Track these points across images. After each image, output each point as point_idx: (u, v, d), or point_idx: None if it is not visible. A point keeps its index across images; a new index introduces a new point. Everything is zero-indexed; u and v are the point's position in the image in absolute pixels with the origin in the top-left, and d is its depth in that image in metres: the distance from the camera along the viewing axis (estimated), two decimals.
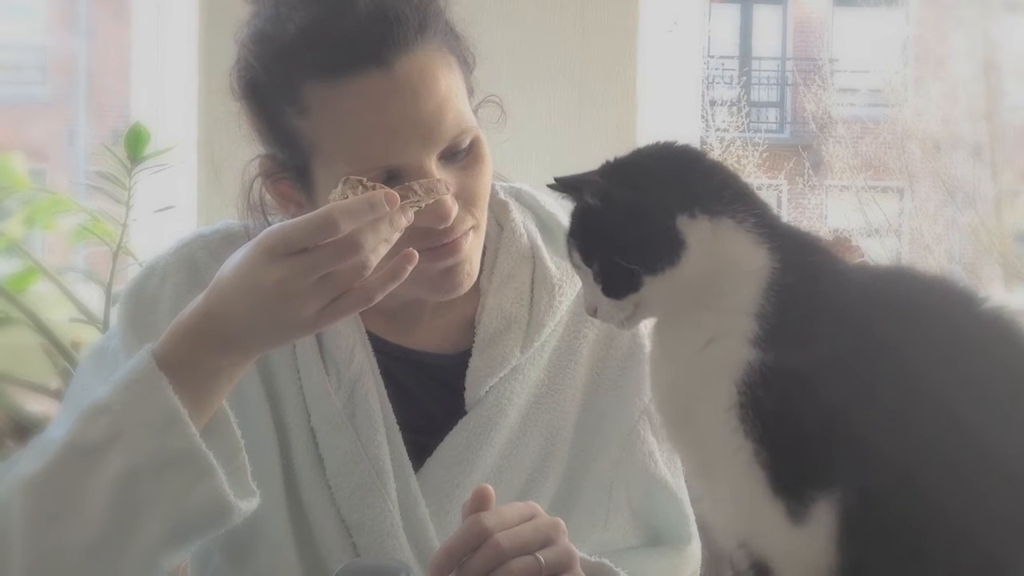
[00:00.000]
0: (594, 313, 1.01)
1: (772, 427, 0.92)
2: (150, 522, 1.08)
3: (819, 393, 0.91)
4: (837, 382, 0.91)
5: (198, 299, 1.10)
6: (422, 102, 1.16)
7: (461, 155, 1.20)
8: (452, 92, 1.18)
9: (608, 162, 1.00)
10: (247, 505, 1.12)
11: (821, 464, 0.91)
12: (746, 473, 0.92)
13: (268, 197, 1.26)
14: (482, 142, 1.22)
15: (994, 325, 0.95)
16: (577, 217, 1.01)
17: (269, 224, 1.27)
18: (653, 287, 0.96)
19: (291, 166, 1.21)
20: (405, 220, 1.08)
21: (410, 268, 1.08)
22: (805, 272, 0.95)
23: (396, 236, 1.07)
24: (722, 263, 0.95)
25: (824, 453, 0.91)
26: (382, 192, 1.06)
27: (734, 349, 0.93)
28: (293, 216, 1.23)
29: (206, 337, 1.09)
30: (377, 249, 1.05)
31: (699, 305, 0.96)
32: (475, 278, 1.25)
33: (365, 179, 1.09)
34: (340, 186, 1.09)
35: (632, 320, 1.00)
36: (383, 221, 1.05)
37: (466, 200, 1.20)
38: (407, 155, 1.16)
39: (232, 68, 1.23)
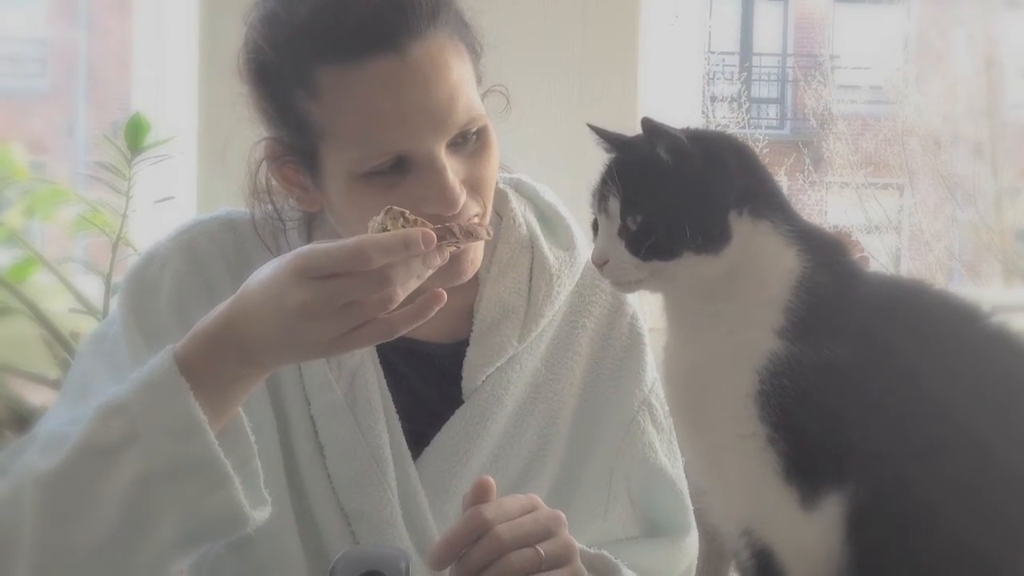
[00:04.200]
0: (602, 264, 1.00)
1: (793, 415, 0.93)
2: (163, 526, 1.08)
3: (843, 388, 0.93)
4: (860, 380, 0.93)
5: (223, 306, 1.09)
6: (434, 88, 1.16)
7: (469, 143, 1.20)
8: (463, 80, 1.18)
9: (690, 128, 1.00)
10: (260, 515, 1.12)
11: (837, 455, 0.92)
12: (759, 459, 0.93)
13: (273, 182, 1.26)
14: (490, 130, 1.22)
15: (998, 337, 0.97)
16: (631, 166, 0.99)
17: (275, 208, 1.27)
18: (687, 264, 0.96)
19: (298, 149, 1.21)
20: (440, 260, 1.07)
21: (437, 308, 1.07)
22: (836, 272, 0.97)
23: (428, 273, 1.07)
24: (755, 261, 0.97)
25: (841, 445, 0.92)
26: (420, 231, 1.04)
27: (757, 338, 0.95)
28: (298, 199, 1.24)
29: (227, 346, 1.08)
30: (407, 284, 1.05)
31: (722, 296, 0.98)
32: (478, 266, 1.25)
33: (407, 212, 1.07)
34: (381, 215, 1.07)
35: (636, 285, 0.99)
36: (417, 258, 1.04)
37: (472, 187, 1.20)
38: (417, 141, 1.16)
39: (239, 50, 1.22)
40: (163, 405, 1.08)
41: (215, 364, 1.09)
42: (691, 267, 0.96)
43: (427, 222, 1.07)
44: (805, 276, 0.96)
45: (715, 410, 0.97)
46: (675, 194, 0.97)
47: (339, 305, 1.03)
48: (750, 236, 0.97)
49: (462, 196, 1.17)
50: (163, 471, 1.07)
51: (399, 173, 1.17)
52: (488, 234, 1.13)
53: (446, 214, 1.17)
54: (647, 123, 0.98)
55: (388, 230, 1.05)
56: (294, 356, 1.12)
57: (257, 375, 1.11)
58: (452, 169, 1.17)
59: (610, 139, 1.02)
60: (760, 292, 0.96)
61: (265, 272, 1.07)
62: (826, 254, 0.98)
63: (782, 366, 0.93)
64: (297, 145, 1.21)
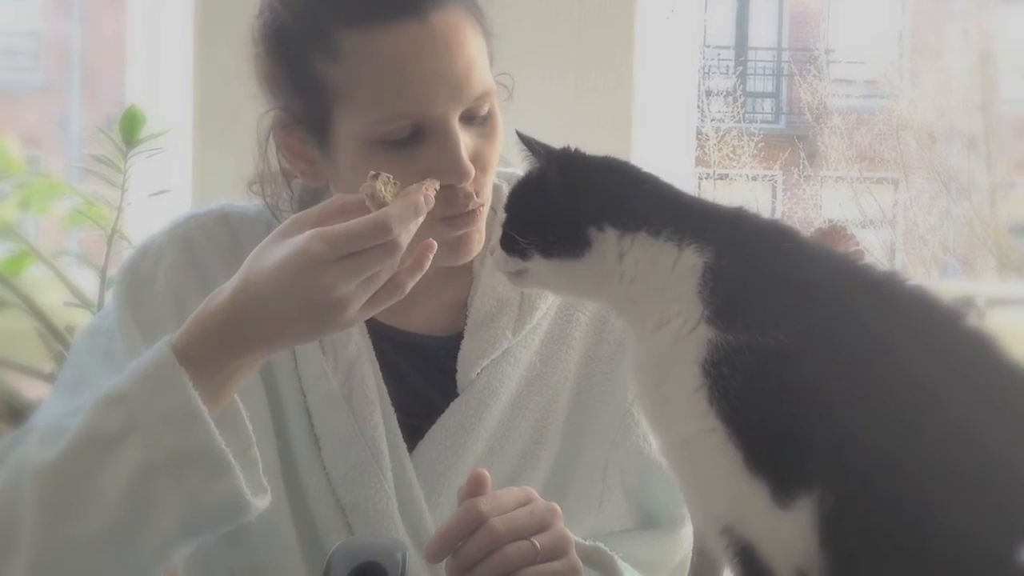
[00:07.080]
0: (492, 252, 1.08)
1: (745, 406, 0.92)
2: (163, 516, 1.08)
3: (795, 376, 0.91)
4: (813, 367, 0.91)
5: (224, 296, 1.09)
6: (454, 56, 1.17)
7: (480, 120, 1.21)
8: (479, 53, 1.20)
9: (567, 148, 1.05)
10: (261, 502, 1.12)
11: (800, 447, 0.91)
12: (723, 453, 0.92)
13: (282, 161, 1.27)
14: (497, 112, 1.24)
15: (970, 331, 0.95)
16: (525, 171, 1.06)
17: (286, 176, 1.28)
18: (545, 266, 1.02)
19: (307, 118, 1.22)
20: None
21: (431, 256, 1.10)
22: (743, 253, 0.97)
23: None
24: (643, 268, 1.00)
25: (802, 436, 0.91)
26: (421, 197, 1.08)
27: (691, 330, 0.95)
28: (303, 174, 1.25)
29: (230, 336, 1.08)
30: (408, 242, 1.07)
31: (639, 301, 1.00)
32: (482, 245, 1.25)
33: (392, 177, 1.09)
34: (373, 181, 1.08)
35: (519, 279, 1.05)
36: (417, 220, 1.08)
37: (478, 165, 1.21)
38: (435, 107, 1.17)
39: (255, 19, 1.24)
40: (162, 395, 1.08)
41: (215, 354, 1.09)
42: (556, 269, 1.02)
43: (425, 183, 1.11)
44: (709, 267, 0.97)
45: (672, 406, 0.97)
46: (531, 202, 1.04)
47: (364, 280, 1.05)
48: (623, 248, 0.99)
49: (472, 169, 1.18)
50: (163, 461, 1.07)
51: (412, 143, 1.18)
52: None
53: (457, 184, 1.18)
54: (519, 136, 1.06)
55: (381, 193, 1.08)
56: (315, 336, 1.17)
57: (258, 362, 1.12)
58: (463, 142, 1.18)
59: (523, 143, 1.07)
60: (671, 289, 0.98)
61: (274, 258, 1.07)
62: (734, 240, 0.98)
63: (720, 355, 0.93)
64: (308, 113, 1.21)
